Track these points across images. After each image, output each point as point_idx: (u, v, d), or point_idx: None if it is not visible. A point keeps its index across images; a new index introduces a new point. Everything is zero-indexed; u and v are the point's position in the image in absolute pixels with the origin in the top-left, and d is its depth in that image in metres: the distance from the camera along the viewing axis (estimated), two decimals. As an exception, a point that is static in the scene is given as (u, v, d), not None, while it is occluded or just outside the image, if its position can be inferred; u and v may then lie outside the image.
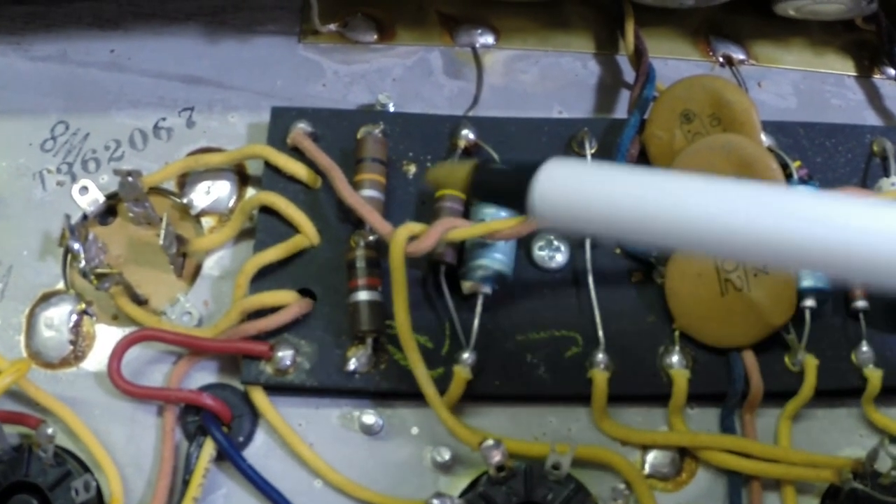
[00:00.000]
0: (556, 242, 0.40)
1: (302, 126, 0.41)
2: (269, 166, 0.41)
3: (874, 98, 0.47)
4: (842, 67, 0.48)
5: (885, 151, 0.42)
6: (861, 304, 0.39)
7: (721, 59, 0.47)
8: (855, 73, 0.48)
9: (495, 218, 0.38)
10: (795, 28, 0.48)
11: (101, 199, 0.41)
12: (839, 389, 0.38)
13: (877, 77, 0.48)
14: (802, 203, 0.23)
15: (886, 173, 0.42)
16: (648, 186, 0.25)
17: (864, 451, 0.36)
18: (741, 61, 0.47)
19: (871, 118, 0.47)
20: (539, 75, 0.46)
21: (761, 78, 0.47)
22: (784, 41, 0.48)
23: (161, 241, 0.38)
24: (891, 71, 0.48)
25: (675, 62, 0.47)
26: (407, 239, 0.36)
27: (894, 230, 0.22)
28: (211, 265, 0.41)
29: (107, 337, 0.40)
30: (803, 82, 0.47)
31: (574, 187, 0.26)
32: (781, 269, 0.35)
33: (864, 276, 0.22)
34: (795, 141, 0.42)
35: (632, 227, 0.25)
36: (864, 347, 0.39)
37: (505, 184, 0.29)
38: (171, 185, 0.42)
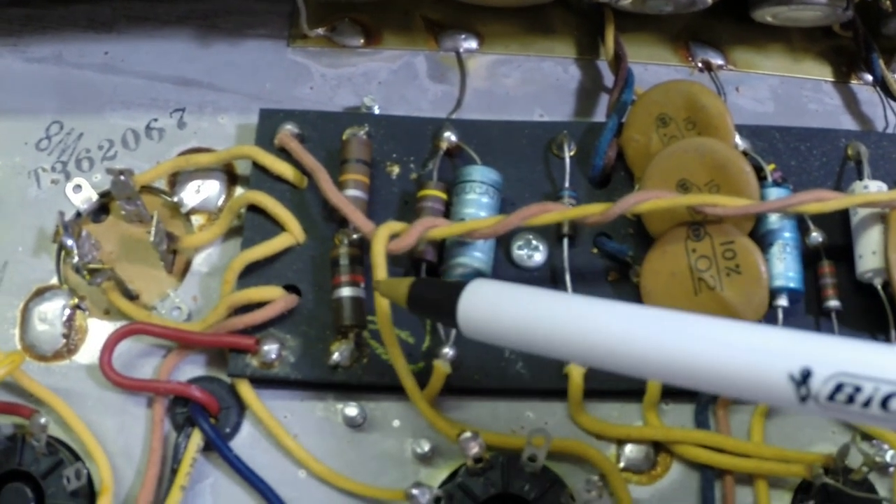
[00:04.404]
0: (534, 242, 0.41)
1: (289, 128, 0.42)
2: (257, 166, 0.42)
3: (851, 103, 0.48)
4: (819, 73, 0.49)
5: (859, 155, 0.43)
6: (833, 303, 0.40)
7: (700, 65, 0.48)
8: (832, 79, 0.49)
9: (475, 217, 0.39)
10: (774, 34, 0.49)
11: (95, 197, 0.42)
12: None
13: (854, 82, 0.49)
14: (679, 327, 0.26)
15: (860, 177, 0.42)
16: (552, 310, 0.28)
17: (835, 447, 0.36)
18: (720, 66, 0.48)
19: (848, 123, 0.48)
20: (521, 79, 0.47)
21: (739, 83, 0.48)
22: (762, 47, 0.49)
23: (152, 239, 0.39)
24: (868, 76, 0.49)
25: (655, 67, 0.48)
26: (388, 237, 0.37)
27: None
28: (200, 262, 0.42)
29: (99, 331, 0.41)
30: (781, 87, 0.48)
31: (491, 308, 0.29)
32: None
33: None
34: (770, 144, 0.43)
35: (536, 343, 0.28)
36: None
37: (435, 299, 0.32)
38: (162, 184, 0.43)
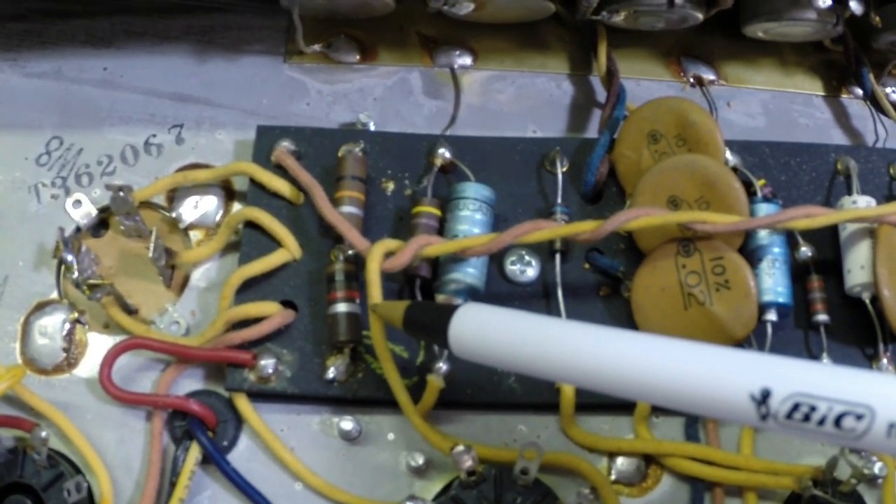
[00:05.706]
0: (527, 257, 0.41)
1: (285, 144, 0.42)
2: (254, 183, 0.42)
3: (841, 117, 0.49)
4: (810, 87, 0.50)
5: (848, 170, 0.43)
6: (822, 317, 0.40)
7: (692, 80, 0.49)
8: (823, 93, 0.50)
9: (468, 234, 0.40)
10: (765, 49, 0.49)
11: (94, 212, 0.43)
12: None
13: (844, 96, 0.49)
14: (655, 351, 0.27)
15: (849, 191, 0.43)
16: (533, 333, 0.30)
17: (824, 459, 0.37)
18: (711, 82, 0.49)
19: (839, 137, 0.48)
20: (515, 95, 0.47)
21: (731, 98, 0.48)
22: (754, 62, 0.50)
23: (150, 254, 0.40)
24: (858, 90, 0.49)
25: (648, 83, 0.48)
26: (383, 255, 0.38)
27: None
28: (198, 277, 0.43)
29: (98, 345, 0.41)
30: (772, 102, 0.49)
31: (480, 330, 0.31)
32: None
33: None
34: (761, 160, 0.44)
35: (519, 364, 0.30)
36: (825, 360, 0.40)
37: (429, 322, 0.33)
38: (160, 200, 0.44)
